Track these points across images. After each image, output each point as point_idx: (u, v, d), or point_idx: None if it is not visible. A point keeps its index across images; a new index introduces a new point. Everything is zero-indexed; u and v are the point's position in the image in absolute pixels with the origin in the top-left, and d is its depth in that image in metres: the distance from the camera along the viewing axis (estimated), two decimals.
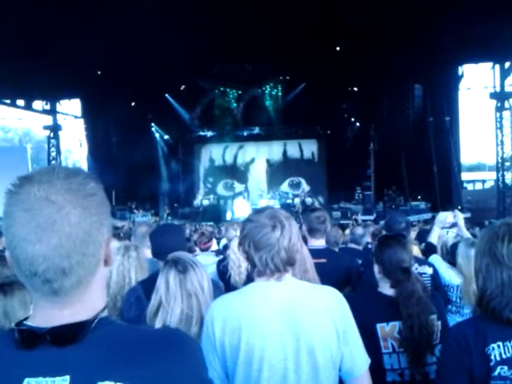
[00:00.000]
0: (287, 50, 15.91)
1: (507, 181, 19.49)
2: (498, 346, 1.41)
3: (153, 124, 23.04)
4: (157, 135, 23.56)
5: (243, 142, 24.21)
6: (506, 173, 19.48)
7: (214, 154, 24.83)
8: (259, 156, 24.35)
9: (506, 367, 1.39)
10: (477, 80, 23.94)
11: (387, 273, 2.30)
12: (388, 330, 2.20)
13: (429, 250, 3.79)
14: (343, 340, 1.63)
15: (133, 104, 21.58)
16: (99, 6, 11.58)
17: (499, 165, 19.68)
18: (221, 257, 4.14)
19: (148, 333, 0.96)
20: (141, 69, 16.84)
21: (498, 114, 19.22)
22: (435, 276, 3.28)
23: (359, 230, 5.38)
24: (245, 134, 23.60)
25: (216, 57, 17.32)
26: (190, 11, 12.49)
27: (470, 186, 31.52)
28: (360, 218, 15.86)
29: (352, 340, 1.66)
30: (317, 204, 19.70)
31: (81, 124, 23.75)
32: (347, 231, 7.20)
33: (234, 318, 1.60)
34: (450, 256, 3.63)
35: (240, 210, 20.21)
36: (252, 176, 24.33)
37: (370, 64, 16.84)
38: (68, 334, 0.84)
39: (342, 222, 15.21)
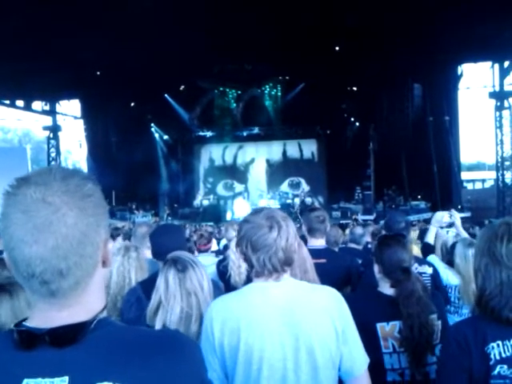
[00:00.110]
0: (287, 49, 15.91)
1: (507, 180, 19.50)
2: (498, 345, 1.41)
3: (152, 124, 23.05)
4: (156, 135, 23.56)
5: (243, 142, 24.22)
6: (505, 172, 19.49)
7: (214, 154, 24.84)
8: (259, 156, 24.36)
9: (505, 366, 1.39)
10: (476, 79, 24.02)
11: (387, 272, 2.30)
12: (388, 329, 2.20)
13: (426, 250, 3.78)
14: (342, 339, 1.63)
15: (132, 104, 21.60)
16: (99, 6, 11.59)
17: (499, 164, 19.69)
18: (221, 257, 4.14)
19: (147, 334, 0.96)
20: (140, 69, 16.85)
21: (497, 114, 19.23)
22: (435, 276, 3.28)
23: (359, 230, 5.37)
24: (244, 134, 23.61)
25: (215, 57, 17.33)
26: (189, 11, 12.50)
27: (469, 186, 31.55)
28: (360, 217, 15.88)
29: (351, 339, 1.66)
30: (317, 204, 19.71)
31: (80, 124, 23.78)
32: (347, 231, 7.20)
33: (232, 318, 1.60)
34: (450, 256, 3.62)
35: (240, 210, 20.21)
36: (252, 176, 24.34)
37: (370, 64, 16.85)
38: (67, 335, 0.84)
39: (342, 221, 15.21)
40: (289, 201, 21.06)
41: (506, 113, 19.19)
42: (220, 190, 24.28)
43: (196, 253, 4.43)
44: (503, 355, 1.40)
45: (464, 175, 25.93)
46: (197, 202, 22.69)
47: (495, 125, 19.35)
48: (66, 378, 0.81)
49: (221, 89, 22.42)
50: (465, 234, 3.91)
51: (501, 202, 19.04)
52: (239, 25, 13.25)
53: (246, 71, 19.93)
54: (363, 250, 5.05)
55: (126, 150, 20.57)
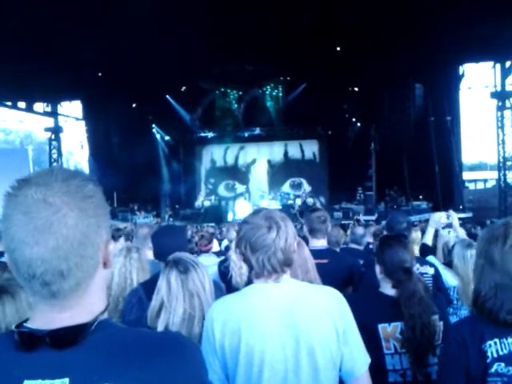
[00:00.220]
0: (287, 50, 15.91)
1: (509, 180, 19.46)
2: (495, 343, 1.42)
3: (154, 125, 23.08)
4: (158, 136, 23.59)
5: (244, 143, 24.22)
6: (507, 172, 19.45)
7: (215, 154, 24.85)
8: (260, 157, 24.36)
9: (503, 364, 1.40)
10: (478, 79, 23.98)
11: (389, 273, 2.29)
12: (390, 330, 2.20)
13: (424, 251, 3.77)
14: (343, 340, 1.63)
15: (134, 105, 21.63)
16: (99, 6, 11.58)
17: (501, 164, 19.65)
18: (222, 258, 4.13)
19: (148, 336, 0.96)
20: (141, 70, 16.87)
21: (499, 114, 19.20)
22: (437, 276, 3.27)
23: (360, 230, 5.36)
24: (246, 134, 23.61)
25: (216, 57, 17.32)
26: (190, 12, 12.51)
27: (471, 186, 31.50)
28: (362, 218, 15.86)
29: (352, 340, 1.66)
30: (318, 204, 19.69)
31: (82, 126, 23.83)
32: (349, 231, 7.18)
33: (233, 319, 1.60)
34: (452, 256, 3.61)
35: (241, 210, 20.21)
36: (253, 177, 24.33)
37: (371, 64, 16.84)
38: (68, 337, 0.84)
39: (343, 222, 15.20)
40: (290, 201, 21.06)
41: (507, 113, 19.16)
42: (221, 190, 24.29)
43: (195, 255, 4.43)
44: (500, 353, 1.41)
45: (466, 175, 25.88)
46: (198, 203, 22.68)
47: (497, 125, 19.31)
48: (67, 380, 0.81)
49: (222, 89, 22.43)
50: (463, 235, 3.90)
51: (503, 202, 19.00)
52: (240, 25, 13.25)
53: (247, 72, 19.93)
54: (364, 251, 5.04)
55: (127, 151, 20.59)
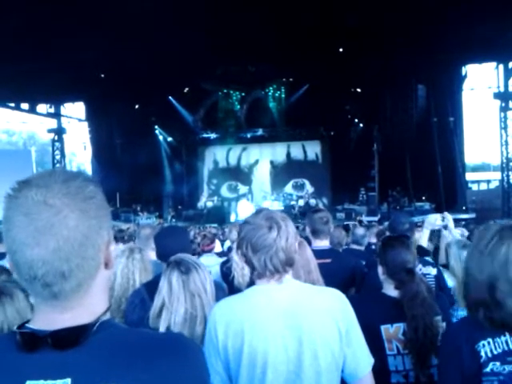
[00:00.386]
0: (289, 50, 15.89)
1: None
2: (489, 343, 1.42)
3: (156, 126, 23.10)
4: (160, 137, 23.60)
5: (247, 144, 24.22)
6: (510, 173, 19.40)
7: (218, 155, 24.86)
8: (263, 158, 24.35)
9: (498, 363, 1.40)
10: (480, 80, 23.92)
11: (391, 274, 2.29)
12: (392, 331, 2.19)
13: (419, 252, 3.76)
14: (346, 341, 1.62)
15: (136, 106, 21.66)
16: (100, 6, 11.56)
17: (504, 165, 19.61)
18: (224, 258, 4.14)
19: (150, 336, 0.95)
20: (144, 71, 16.90)
21: (502, 114, 19.16)
22: (439, 277, 3.27)
23: (360, 231, 5.36)
24: (248, 135, 23.59)
25: (219, 58, 17.33)
26: (192, 12, 12.51)
27: (474, 187, 31.41)
28: (364, 219, 15.85)
29: (355, 341, 1.66)
30: (321, 205, 19.68)
31: (85, 127, 23.92)
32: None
33: (236, 321, 1.60)
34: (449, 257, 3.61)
35: (244, 211, 20.17)
36: (256, 178, 24.33)
37: (371, 64, 16.81)
38: (69, 338, 0.84)
39: (346, 223, 15.18)
40: (293, 202, 21.05)
41: (510, 114, 19.12)
42: (224, 191, 24.29)
43: (197, 255, 4.43)
44: (494, 352, 1.41)
45: (469, 176, 25.85)
46: (201, 204, 22.68)
47: (500, 125, 19.27)
48: (69, 380, 0.81)
49: (224, 91, 22.43)
50: (458, 236, 3.89)
51: (506, 203, 18.96)
52: (241, 26, 13.24)
53: (249, 73, 19.93)
54: (365, 251, 5.04)
55: (130, 152, 20.64)
